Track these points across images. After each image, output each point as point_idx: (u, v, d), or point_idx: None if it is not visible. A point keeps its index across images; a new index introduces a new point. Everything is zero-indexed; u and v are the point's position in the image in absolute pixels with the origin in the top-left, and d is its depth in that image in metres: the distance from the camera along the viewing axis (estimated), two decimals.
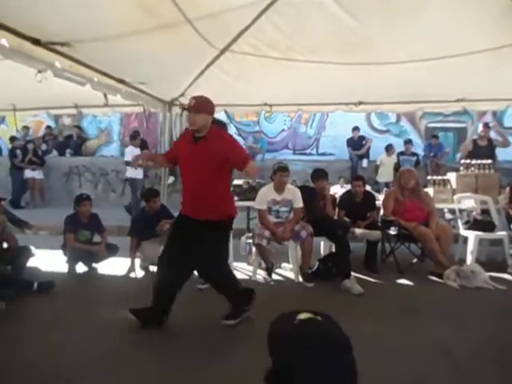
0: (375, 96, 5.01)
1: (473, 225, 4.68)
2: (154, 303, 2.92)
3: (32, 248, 4.15)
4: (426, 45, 3.45)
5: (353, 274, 3.92)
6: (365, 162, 9.28)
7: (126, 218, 4.68)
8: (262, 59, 3.78)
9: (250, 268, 4.38)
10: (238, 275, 4.35)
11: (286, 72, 4.03)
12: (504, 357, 2.50)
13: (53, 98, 4.88)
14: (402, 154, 8.92)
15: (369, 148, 9.50)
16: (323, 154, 10.75)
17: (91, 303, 3.51)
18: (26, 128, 10.92)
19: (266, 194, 4.23)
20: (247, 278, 4.27)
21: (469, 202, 5.04)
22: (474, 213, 4.87)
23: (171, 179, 8.61)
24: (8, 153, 9.79)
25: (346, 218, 4.75)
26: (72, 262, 4.43)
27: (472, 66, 3.78)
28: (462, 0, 2.85)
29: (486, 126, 7.35)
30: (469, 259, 4.44)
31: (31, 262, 4.18)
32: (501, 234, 4.54)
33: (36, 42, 2.80)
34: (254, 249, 4.30)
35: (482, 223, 4.67)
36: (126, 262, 4.36)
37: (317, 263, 4.23)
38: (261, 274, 4.27)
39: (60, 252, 4.50)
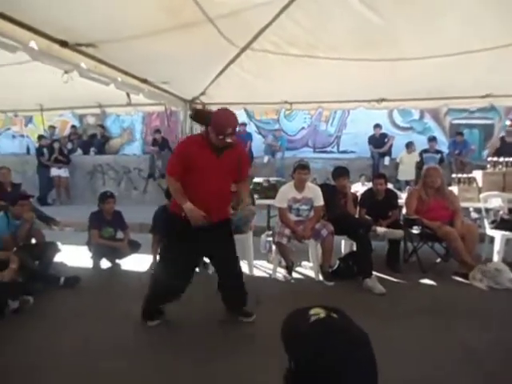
0: (398, 93, 4.92)
1: (500, 224, 4.55)
2: (152, 303, 2.95)
3: (58, 244, 4.29)
4: (451, 40, 3.36)
5: (374, 273, 3.87)
6: (387, 160, 9.13)
7: (148, 215, 4.76)
8: (283, 57, 3.77)
9: (270, 266, 4.39)
10: (258, 273, 4.38)
11: (307, 69, 4.00)
12: None
13: (77, 97, 5.00)
14: (425, 151, 8.72)
15: (391, 146, 9.35)
16: (344, 152, 10.63)
17: (115, 298, 3.59)
18: (52, 127, 11.27)
19: (287, 192, 4.22)
20: (267, 276, 4.28)
21: (496, 201, 4.89)
22: (501, 212, 4.72)
23: None
24: (35, 151, 10.12)
25: (368, 217, 4.69)
26: (96, 257, 4.55)
27: (499, 61, 3.66)
28: None
29: None
30: (495, 259, 4.32)
31: (58, 258, 4.32)
32: None
33: (63, 43, 2.88)
34: (274, 247, 4.30)
35: (509, 223, 4.52)
36: (148, 258, 4.44)
37: (337, 262, 4.20)
38: (281, 273, 4.27)
39: (85, 248, 4.63)
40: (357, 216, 4.65)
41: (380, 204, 4.73)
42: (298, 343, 0.94)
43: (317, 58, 3.78)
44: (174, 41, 3.18)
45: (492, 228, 4.62)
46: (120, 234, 4.73)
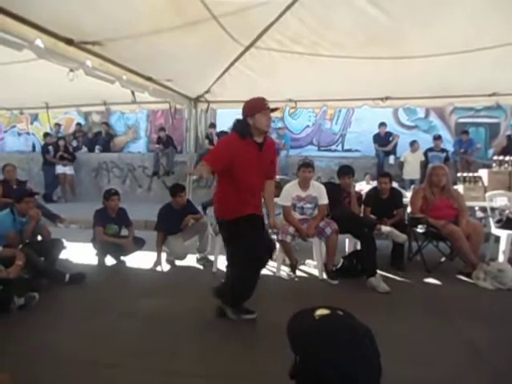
0: (403, 91, 4.90)
1: (505, 223, 4.51)
2: (239, 297, 2.96)
3: (64, 241, 4.32)
4: (457, 37, 3.34)
5: (379, 272, 3.86)
6: (391, 159, 9.08)
7: (152, 212, 4.78)
8: (288, 55, 3.77)
9: (274, 264, 4.39)
10: (262, 271, 4.37)
11: (311, 67, 3.99)
12: None
13: (83, 95, 5.03)
14: (430, 150, 8.67)
15: (396, 144, 9.30)
16: (349, 151, 10.60)
17: (120, 295, 3.61)
18: (57, 125, 11.32)
19: (291, 191, 4.22)
20: (271, 274, 4.28)
21: (501, 200, 4.86)
22: (507, 211, 4.69)
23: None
24: (41, 149, 10.18)
25: (372, 216, 4.67)
26: (101, 254, 4.58)
27: (505, 59, 3.63)
28: None
29: None
30: (501, 259, 4.29)
31: (63, 255, 4.35)
32: None
33: (69, 41, 2.90)
34: (278, 245, 4.30)
35: None
36: (153, 255, 4.46)
37: (341, 260, 4.20)
38: (285, 271, 4.27)
39: (90, 245, 4.66)
40: (361, 215, 4.64)
41: (385, 203, 4.71)
42: (303, 338, 0.94)
43: (321, 56, 3.77)
44: (178, 39, 3.19)
45: (497, 227, 4.59)
46: (125, 232, 4.76)
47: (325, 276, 4.07)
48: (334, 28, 3.29)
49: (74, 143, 10.86)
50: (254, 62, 4.01)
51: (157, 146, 9.88)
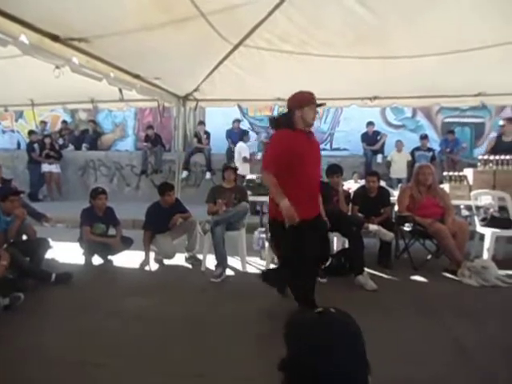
0: (390, 90, 4.94)
1: (490, 222, 4.60)
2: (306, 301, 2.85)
3: (50, 240, 4.25)
4: (444, 38, 3.38)
5: (366, 269, 3.90)
6: (379, 158, 9.18)
7: (140, 211, 4.74)
8: (277, 54, 3.77)
9: (263, 262, 4.40)
10: (251, 270, 4.39)
11: (300, 66, 4.00)
12: None
13: (69, 92, 4.96)
14: (417, 149, 8.79)
15: (383, 143, 9.40)
16: (337, 149, 10.67)
17: (107, 294, 3.58)
18: (43, 123, 11.13)
19: None
20: (260, 272, 4.28)
21: (486, 199, 4.95)
22: (492, 210, 4.78)
23: (185, 173, 8.68)
24: (26, 147, 10.00)
25: (360, 214, 4.71)
26: (88, 254, 4.52)
27: (490, 60, 3.70)
28: None
29: (510, 120, 6.55)
30: (485, 257, 4.37)
31: (49, 254, 4.28)
32: None
33: (55, 38, 2.85)
34: (266, 243, 4.31)
35: (499, 220, 4.57)
36: (141, 254, 4.43)
37: (330, 258, 4.22)
38: None
39: (77, 244, 4.60)
40: (349, 213, 4.67)
41: (372, 201, 4.76)
42: (295, 333, 0.95)
43: (310, 55, 3.78)
44: (167, 36, 3.16)
45: (482, 225, 4.67)
46: (112, 231, 4.71)
47: None
48: (323, 27, 3.30)
49: (61, 141, 10.69)
50: (243, 61, 4.01)
51: (145, 144, 9.80)
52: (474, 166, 5.65)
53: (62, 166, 9.78)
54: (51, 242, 4.24)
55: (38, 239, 4.24)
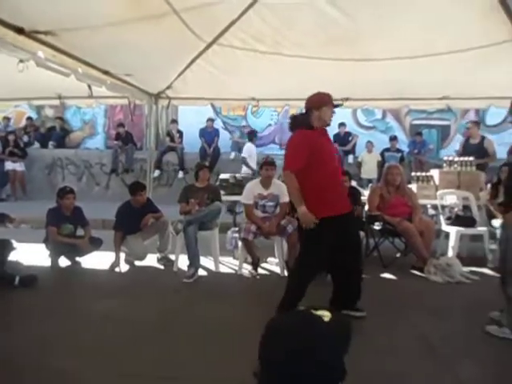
0: (361, 92, 5.05)
1: (454, 220, 4.78)
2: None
3: (13, 241, 4.07)
4: (412, 42, 3.50)
5: None
6: (350, 158, 9.35)
7: (111, 211, 4.62)
8: (250, 53, 3.77)
9: (236, 262, 4.39)
10: (224, 269, 4.37)
11: (274, 66, 4.03)
12: (482, 350, 2.58)
13: (35, 88, 4.76)
14: (387, 150, 9.03)
15: (355, 144, 9.59)
16: None
17: (74, 297, 3.47)
18: (6, 119, 10.66)
19: (253, 189, 4.23)
20: (233, 272, 4.28)
21: (451, 198, 5.14)
22: (456, 209, 4.97)
23: (157, 173, 8.54)
24: None
25: None
26: (54, 255, 4.36)
27: (456, 65, 3.85)
28: None
29: (476, 123, 6.73)
30: (450, 254, 4.54)
31: (13, 256, 4.09)
32: (481, 229, 4.65)
33: (19, 30, 2.72)
34: (240, 243, 4.30)
35: (463, 219, 4.77)
36: (111, 256, 4.31)
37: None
38: (247, 269, 4.28)
39: (42, 246, 4.42)
40: None
41: None
42: (275, 338, 0.92)
43: (283, 56, 3.81)
44: (138, 32, 3.09)
45: (447, 224, 4.85)
46: (81, 231, 4.56)
47: (286, 273, 4.11)
48: (296, 28, 3.34)
49: (25, 138, 10.25)
50: (217, 59, 3.98)
51: (115, 142, 9.56)
52: (440, 166, 5.84)
53: (27, 164, 9.39)
54: (15, 244, 4.06)
55: (0, 240, 4.05)
